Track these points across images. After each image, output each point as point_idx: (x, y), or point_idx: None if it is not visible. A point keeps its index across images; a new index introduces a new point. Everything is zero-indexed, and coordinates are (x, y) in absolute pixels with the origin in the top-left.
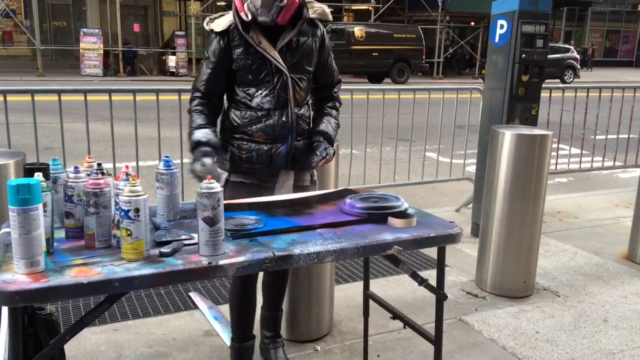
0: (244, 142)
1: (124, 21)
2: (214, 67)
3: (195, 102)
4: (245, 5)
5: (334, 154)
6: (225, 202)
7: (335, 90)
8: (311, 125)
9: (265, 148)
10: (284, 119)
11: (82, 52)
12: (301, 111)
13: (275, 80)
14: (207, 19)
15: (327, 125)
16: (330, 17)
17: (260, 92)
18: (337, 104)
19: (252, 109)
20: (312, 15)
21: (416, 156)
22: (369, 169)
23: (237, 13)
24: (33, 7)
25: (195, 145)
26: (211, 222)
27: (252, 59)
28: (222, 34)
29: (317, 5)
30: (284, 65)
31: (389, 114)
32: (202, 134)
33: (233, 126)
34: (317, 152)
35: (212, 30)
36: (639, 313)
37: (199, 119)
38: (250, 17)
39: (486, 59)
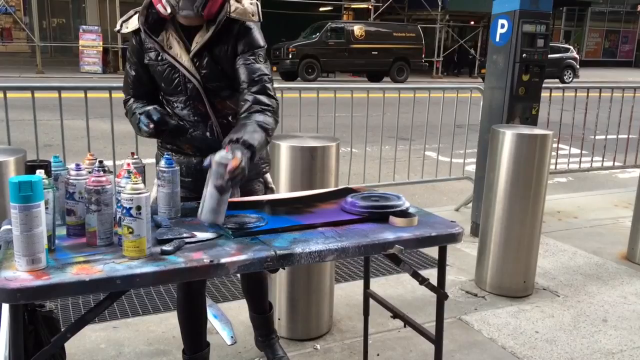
0: (174, 153)
1: None
2: (135, 69)
3: (131, 101)
4: None
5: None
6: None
7: (254, 89)
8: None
9: (195, 161)
10: (207, 134)
11: (81, 49)
12: (235, 120)
13: (189, 91)
14: (125, 16)
15: (235, 129)
16: (254, 17)
17: (177, 104)
18: (255, 106)
19: (179, 119)
20: (231, 15)
21: (416, 155)
22: (368, 167)
23: (148, 8)
24: (32, 4)
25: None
26: (222, 190)
27: (162, 65)
28: (136, 32)
29: (242, 2)
30: (195, 74)
31: (388, 112)
32: (151, 107)
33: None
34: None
35: (119, 30)
36: (638, 313)
37: (143, 105)
38: (169, 10)
39: (486, 58)
